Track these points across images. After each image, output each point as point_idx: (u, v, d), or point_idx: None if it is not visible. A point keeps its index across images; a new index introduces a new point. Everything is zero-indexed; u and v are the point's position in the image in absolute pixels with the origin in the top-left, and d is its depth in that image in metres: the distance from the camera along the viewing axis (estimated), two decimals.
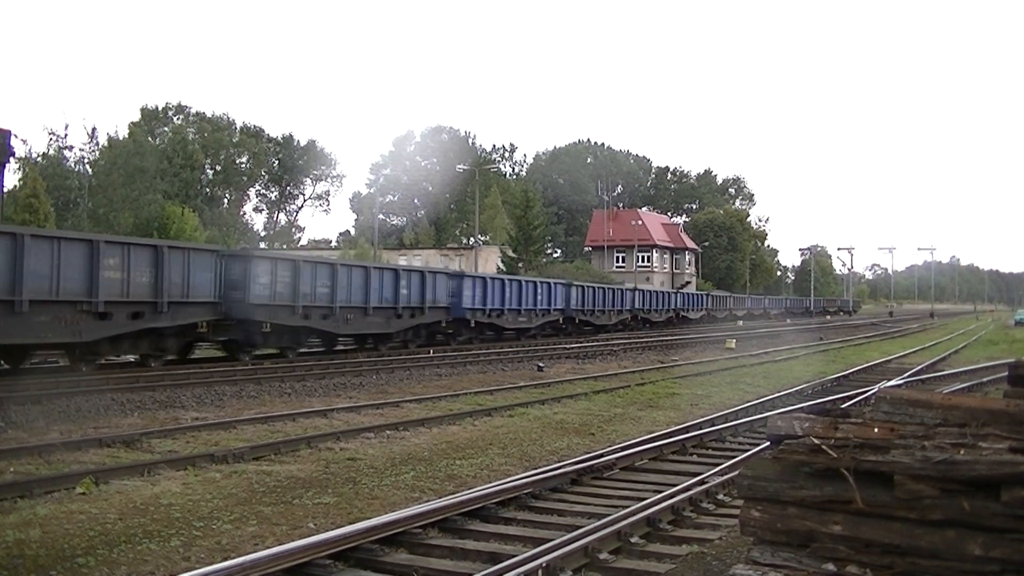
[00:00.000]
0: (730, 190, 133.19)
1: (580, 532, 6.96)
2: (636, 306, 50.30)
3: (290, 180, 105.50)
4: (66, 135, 57.50)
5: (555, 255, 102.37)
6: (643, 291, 53.86)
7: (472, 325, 32.51)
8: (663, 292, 59.35)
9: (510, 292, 35.00)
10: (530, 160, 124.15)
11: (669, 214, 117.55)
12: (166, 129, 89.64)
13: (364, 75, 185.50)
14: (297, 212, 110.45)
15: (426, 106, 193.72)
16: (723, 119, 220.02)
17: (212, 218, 77.36)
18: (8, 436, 11.85)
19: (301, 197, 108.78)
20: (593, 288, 44.59)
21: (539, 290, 37.53)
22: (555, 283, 40.40)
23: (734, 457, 10.63)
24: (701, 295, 67.28)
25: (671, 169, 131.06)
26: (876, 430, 4.08)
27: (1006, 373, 5.11)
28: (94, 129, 59.63)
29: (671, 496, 8.34)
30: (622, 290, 49.82)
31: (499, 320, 34.39)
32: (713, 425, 13.60)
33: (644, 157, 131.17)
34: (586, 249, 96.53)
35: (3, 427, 12.43)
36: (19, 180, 51.06)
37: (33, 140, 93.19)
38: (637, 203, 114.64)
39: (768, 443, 4.91)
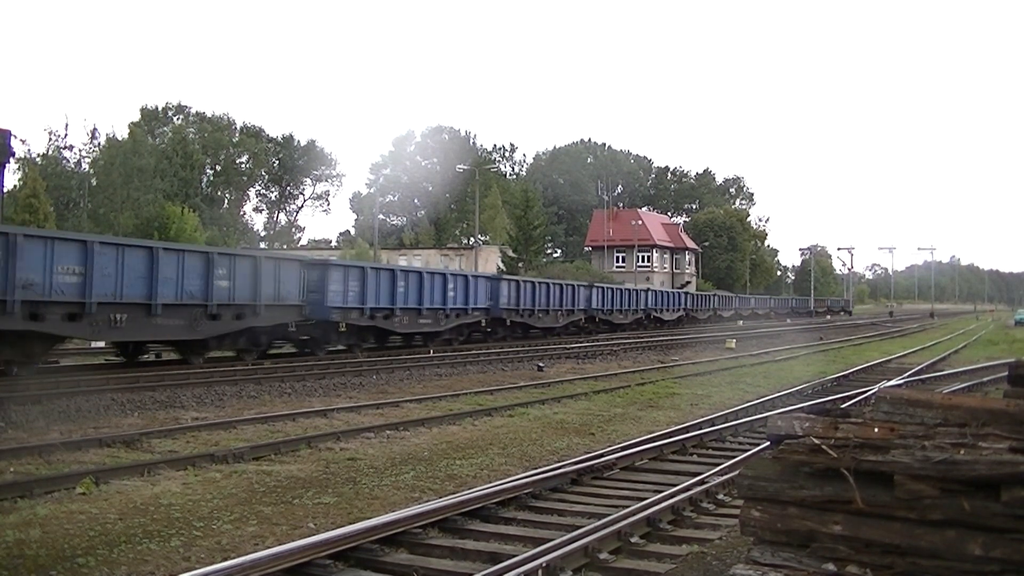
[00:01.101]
0: (730, 190, 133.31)
1: (580, 532, 6.96)
2: (594, 306, 44.37)
3: (290, 180, 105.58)
4: (66, 135, 57.68)
5: (555, 255, 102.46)
6: (602, 288, 47.37)
7: (342, 328, 25.68)
8: (631, 290, 52.96)
9: (405, 287, 28.53)
10: (530, 160, 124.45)
11: (669, 214, 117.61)
12: (166, 129, 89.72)
13: (364, 75, 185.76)
14: (297, 212, 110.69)
15: (426, 106, 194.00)
16: (723, 119, 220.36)
17: (212, 218, 77.39)
18: (8, 436, 11.85)
19: (301, 197, 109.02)
20: (532, 284, 38.51)
21: (452, 285, 31.23)
22: (475, 276, 34.59)
23: (734, 457, 10.63)
24: (676, 293, 63.24)
25: (671, 169, 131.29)
26: (876, 430, 4.08)
27: (1006, 373, 5.11)
28: (94, 129, 59.86)
29: (671, 496, 8.34)
30: (574, 287, 43.48)
31: (388, 323, 27.63)
32: (713, 425, 13.60)
33: (644, 157, 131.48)
34: (586, 249, 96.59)
35: (3, 427, 12.43)
36: (19, 180, 51.19)
37: (33, 140, 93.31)
38: (637, 203, 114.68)
39: (768, 443, 4.92)
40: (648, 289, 56.98)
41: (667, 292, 60.64)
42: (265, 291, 21.92)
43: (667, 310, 56.07)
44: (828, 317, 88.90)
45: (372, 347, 27.73)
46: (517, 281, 37.54)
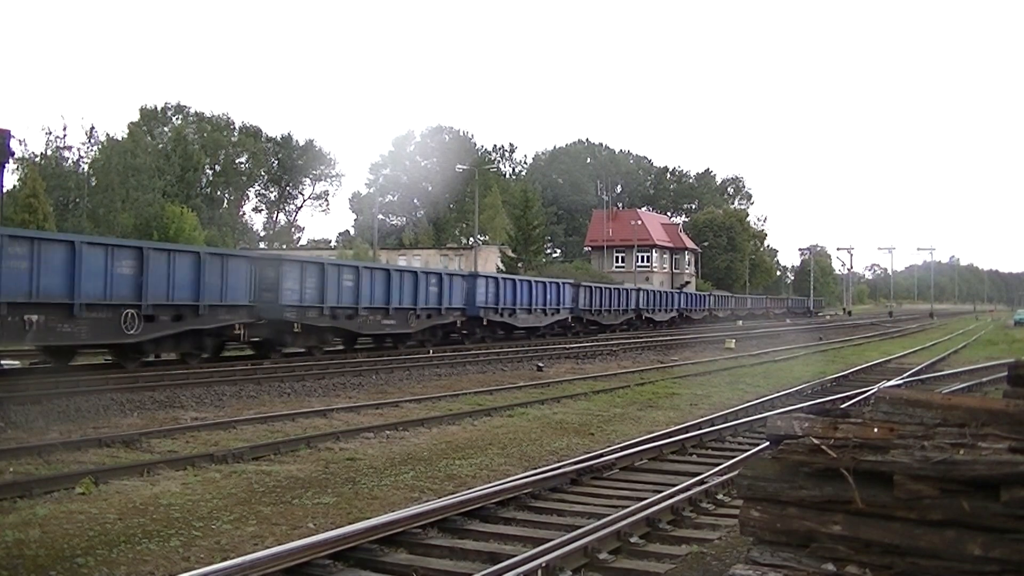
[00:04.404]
0: (729, 190, 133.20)
1: (580, 532, 6.96)
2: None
3: (289, 180, 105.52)
4: (64, 135, 57.52)
5: (555, 255, 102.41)
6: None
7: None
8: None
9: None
10: (530, 160, 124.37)
11: (669, 214, 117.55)
12: (165, 129, 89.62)
13: (364, 75, 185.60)
14: (296, 212, 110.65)
15: (426, 106, 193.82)
16: (723, 119, 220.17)
17: (211, 218, 77.31)
18: (8, 436, 11.86)
19: (300, 197, 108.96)
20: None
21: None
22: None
23: (734, 457, 10.63)
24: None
25: (670, 169, 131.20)
26: (876, 430, 4.08)
27: (1006, 373, 5.11)
28: (92, 128, 59.68)
29: (671, 496, 8.34)
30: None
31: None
32: (713, 425, 13.60)
33: (644, 157, 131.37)
34: (586, 249, 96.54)
35: (3, 427, 12.43)
36: (18, 180, 51.10)
37: (31, 140, 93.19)
38: (637, 203, 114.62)
39: (768, 443, 4.92)
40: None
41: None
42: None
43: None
44: (826, 317, 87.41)
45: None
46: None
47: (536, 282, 38.45)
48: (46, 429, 12.46)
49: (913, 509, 3.74)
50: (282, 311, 22.61)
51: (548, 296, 38.65)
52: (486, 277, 34.51)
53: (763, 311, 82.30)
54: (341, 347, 27.06)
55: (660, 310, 54.89)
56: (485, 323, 33.40)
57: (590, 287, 44.73)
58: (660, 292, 58.02)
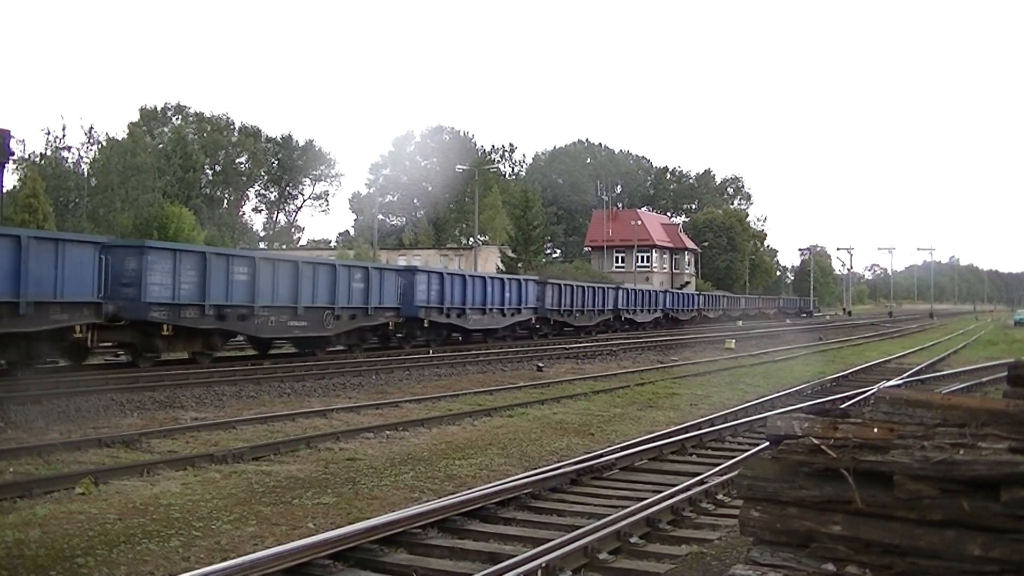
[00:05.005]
0: (728, 190, 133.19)
1: (580, 532, 6.97)
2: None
3: (289, 180, 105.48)
4: (63, 135, 57.51)
5: (555, 255, 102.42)
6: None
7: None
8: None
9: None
10: (529, 160, 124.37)
11: (668, 214, 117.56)
12: (165, 129, 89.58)
13: (364, 75, 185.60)
14: (296, 212, 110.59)
15: (426, 106, 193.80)
16: (722, 119, 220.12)
17: (212, 218, 77.29)
18: (8, 436, 11.85)
19: (300, 197, 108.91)
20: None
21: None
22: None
23: (733, 457, 10.64)
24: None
25: (670, 169, 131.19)
26: (876, 430, 4.08)
27: (1006, 373, 5.11)
28: (91, 128, 59.73)
29: (671, 496, 8.35)
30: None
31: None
32: (713, 425, 13.61)
33: (643, 157, 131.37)
34: (586, 249, 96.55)
35: (3, 427, 12.43)
36: (18, 180, 51.09)
37: (31, 141, 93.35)
38: (636, 203, 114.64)
39: (767, 443, 4.92)
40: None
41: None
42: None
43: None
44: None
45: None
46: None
47: (492, 279, 35.24)
48: (46, 429, 12.46)
49: (913, 509, 3.74)
50: (147, 310, 18.92)
51: (507, 295, 35.16)
52: (428, 273, 31.15)
53: (756, 311, 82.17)
54: (253, 352, 24.50)
55: (642, 310, 52.25)
56: (426, 324, 30.05)
57: (559, 284, 41.56)
58: (642, 291, 55.04)
